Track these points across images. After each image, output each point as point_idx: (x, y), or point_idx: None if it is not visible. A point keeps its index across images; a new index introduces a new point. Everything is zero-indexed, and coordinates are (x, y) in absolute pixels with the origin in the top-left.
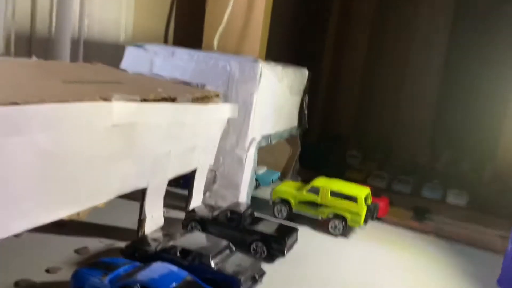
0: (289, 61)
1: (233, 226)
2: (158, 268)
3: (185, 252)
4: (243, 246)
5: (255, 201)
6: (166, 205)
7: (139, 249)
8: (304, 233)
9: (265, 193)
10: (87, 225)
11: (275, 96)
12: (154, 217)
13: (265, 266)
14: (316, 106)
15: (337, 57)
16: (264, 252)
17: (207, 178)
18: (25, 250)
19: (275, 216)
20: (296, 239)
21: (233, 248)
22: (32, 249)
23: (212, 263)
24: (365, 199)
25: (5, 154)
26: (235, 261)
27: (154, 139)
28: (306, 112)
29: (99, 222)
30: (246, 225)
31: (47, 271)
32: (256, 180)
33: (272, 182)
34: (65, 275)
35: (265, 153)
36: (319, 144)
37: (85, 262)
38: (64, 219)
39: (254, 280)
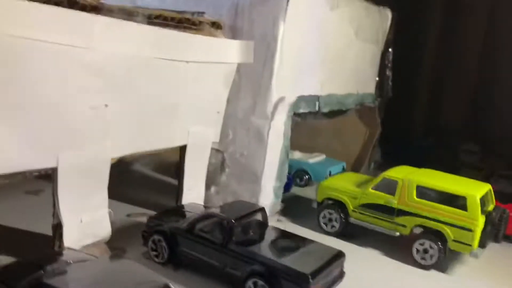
0: None
1: (218, 244)
2: None
3: None
4: (235, 284)
5: (297, 205)
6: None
7: None
8: (367, 261)
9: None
10: None
11: (324, 32)
12: (84, 222)
13: None
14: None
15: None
16: None
17: (210, 164)
18: None
19: (322, 229)
20: (341, 275)
21: None
22: None
23: None
24: (482, 202)
25: None
26: None
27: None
28: (389, 73)
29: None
30: (240, 245)
31: None
32: (305, 172)
33: (330, 175)
34: None
35: (326, 136)
36: (423, 140)
37: None
38: None
39: None
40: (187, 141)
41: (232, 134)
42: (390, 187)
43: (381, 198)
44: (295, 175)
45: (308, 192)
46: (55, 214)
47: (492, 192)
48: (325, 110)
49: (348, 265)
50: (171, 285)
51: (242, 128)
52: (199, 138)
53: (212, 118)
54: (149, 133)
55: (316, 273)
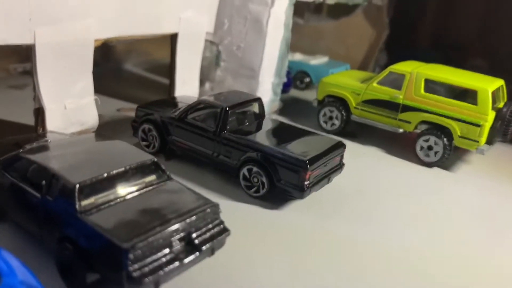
0: None
1: (211, 132)
2: None
3: (38, 175)
4: (229, 172)
5: (296, 106)
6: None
7: None
8: (368, 157)
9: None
10: None
11: None
12: (69, 109)
13: (268, 214)
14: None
15: None
16: (264, 185)
17: (205, 57)
18: None
19: (321, 128)
20: (340, 166)
21: (153, 161)
22: None
23: (79, 204)
24: (493, 97)
25: None
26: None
27: None
28: None
29: None
30: (234, 132)
31: None
32: (306, 74)
33: None
34: None
35: (329, 39)
36: (429, 52)
37: None
38: None
39: (191, 249)
40: (178, 29)
41: (228, 23)
42: (396, 81)
43: (386, 93)
44: (295, 77)
45: (308, 95)
46: (36, 97)
47: (505, 88)
48: (331, 0)
49: (348, 161)
50: (158, 161)
51: (239, 16)
52: (192, 25)
53: (205, 3)
54: (135, 15)
55: (313, 160)
